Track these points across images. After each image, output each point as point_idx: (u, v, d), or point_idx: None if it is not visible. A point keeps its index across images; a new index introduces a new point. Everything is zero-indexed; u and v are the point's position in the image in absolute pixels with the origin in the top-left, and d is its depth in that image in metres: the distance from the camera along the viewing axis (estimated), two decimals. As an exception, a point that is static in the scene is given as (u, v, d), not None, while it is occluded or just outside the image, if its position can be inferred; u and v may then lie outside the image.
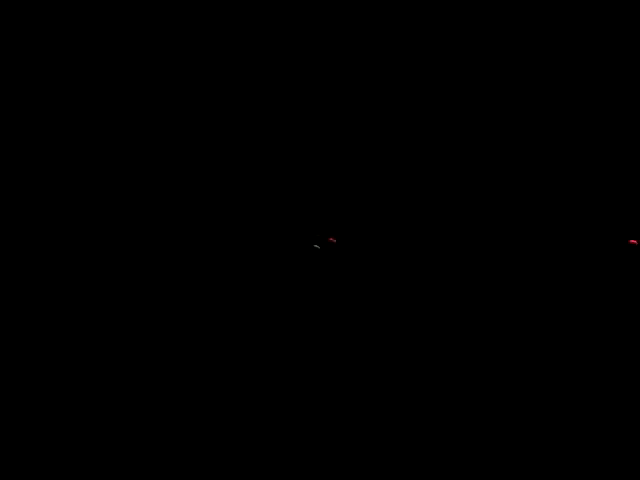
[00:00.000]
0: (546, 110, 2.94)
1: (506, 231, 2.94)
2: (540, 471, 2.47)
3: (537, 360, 2.77)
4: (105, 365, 2.73)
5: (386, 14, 2.91)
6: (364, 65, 2.94)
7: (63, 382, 2.67)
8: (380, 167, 2.96)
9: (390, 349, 2.83)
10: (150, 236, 2.91)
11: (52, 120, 2.90)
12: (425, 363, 2.79)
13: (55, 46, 2.88)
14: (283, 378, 2.74)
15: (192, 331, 2.83)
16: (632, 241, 2.57)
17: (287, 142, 2.94)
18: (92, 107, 2.92)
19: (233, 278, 2.92)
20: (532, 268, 2.90)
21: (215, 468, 2.45)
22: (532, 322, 2.84)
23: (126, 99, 2.93)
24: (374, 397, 2.70)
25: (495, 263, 2.92)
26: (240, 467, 2.47)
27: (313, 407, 2.66)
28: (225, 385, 2.71)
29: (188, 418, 2.60)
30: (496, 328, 2.84)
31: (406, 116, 2.95)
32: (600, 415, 2.61)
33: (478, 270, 2.91)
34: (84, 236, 2.89)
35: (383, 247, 2.97)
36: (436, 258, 2.95)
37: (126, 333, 2.79)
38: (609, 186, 2.90)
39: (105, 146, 2.92)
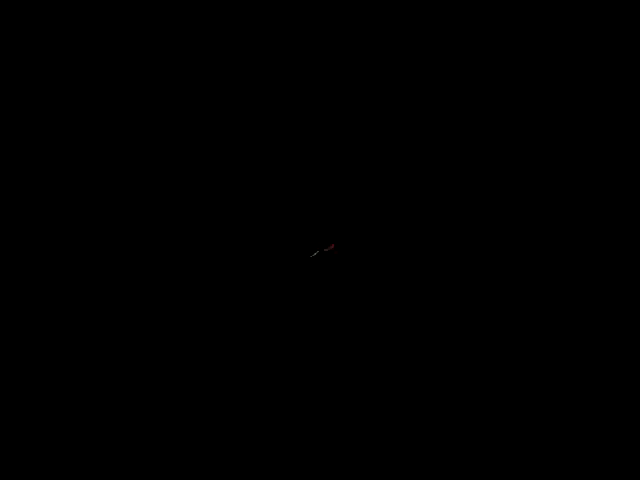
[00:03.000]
0: (546, 111, 2.94)
1: (507, 233, 2.94)
2: (540, 471, 2.47)
3: (537, 361, 2.77)
4: (104, 366, 2.73)
5: (386, 14, 2.91)
6: (364, 66, 2.94)
7: (63, 382, 2.67)
8: (380, 169, 2.96)
9: (390, 351, 2.83)
10: (148, 237, 2.91)
11: (52, 120, 2.90)
12: (425, 365, 2.79)
13: (55, 46, 2.88)
14: (282, 379, 2.74)
15: (190, 332, 2.83)
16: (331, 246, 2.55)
17: (286, 144, 2.94)
18: (92, 107, 2.92)
19: (231, 279, 2.92)
20: (532, 270, 2.90)
21: (215, 468, 2.45)
22: (532, 324, 2.84)
23: (126, 99, 2.93)
24: (375, 398, 2.70)
25: (497, 266, 2.92)
26: (239, 467, 2.46)
27: (313, 408, 2.66)
28: (224, 386, 2.71)
29: (187, 419, 2.60)
30: (497, 330, 2.83)
31: (406, 118, 2.95)
32: (600, 415, 2.61)
33: (479, 272, 2.91)
34: (84, 237, 2.89)
35: (383, 249, 2.97)
36: (437, 260, 2.94)
37: (124, 333, 2.79)
38: (609, 186, 2.90)
39: (105, 147, 2.92)
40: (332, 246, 2.61)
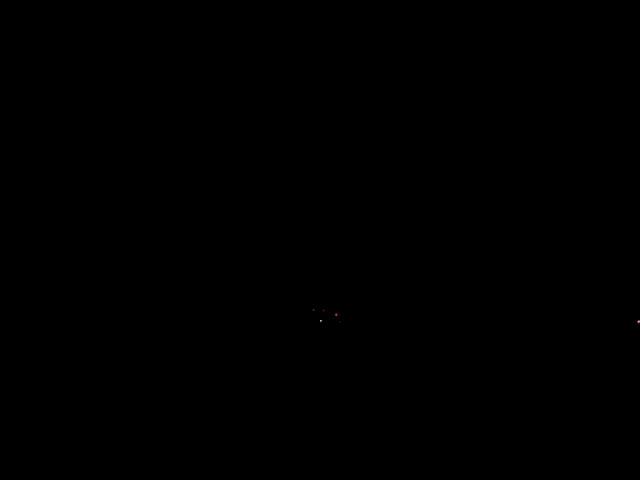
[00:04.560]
0: (546, 111, 2.94)
1: (507, 236, 2.94)
2: (540, 471, 2.47)
3: (538, 363, 2.77)
4: (104, 366, 2.73)
5: (386, 14, 2.91)
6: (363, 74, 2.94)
7: (63, 382, 2.67)
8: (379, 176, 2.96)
9: (392, 353, 2.83)
10: (145, 238, 2.91)
11: (52, 120, 2.91)
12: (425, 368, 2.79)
13: (55, 46, 2.88)
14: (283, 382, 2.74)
15: (187, 333, 2.83)
16: None
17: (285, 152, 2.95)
18: (92, 108, 2.92)
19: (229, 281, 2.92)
20: (533, 273, 2.90)
21: (214, 469, 2.45)
22: (533, 327, 2.84)
23: (126, 100, 2.93)
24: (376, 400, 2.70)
25: (498, 271, 2.91)
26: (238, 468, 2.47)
27: (312, 409, 2.66)
28: (221, 387, 2.72)
29: (186, 419, 2.60)
30: (498, 335, 2.83)
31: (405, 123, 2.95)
32: (600, 416, 2.61)
33: (481, 279, 2.91)
34: (84, 236, 2.89)
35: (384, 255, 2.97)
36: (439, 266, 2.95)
37: (122, 334, 2.80)
38: (609, 187, 2.90)
39: (105, 147, 2.93)
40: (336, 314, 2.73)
